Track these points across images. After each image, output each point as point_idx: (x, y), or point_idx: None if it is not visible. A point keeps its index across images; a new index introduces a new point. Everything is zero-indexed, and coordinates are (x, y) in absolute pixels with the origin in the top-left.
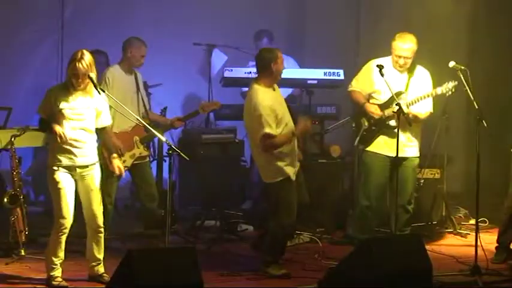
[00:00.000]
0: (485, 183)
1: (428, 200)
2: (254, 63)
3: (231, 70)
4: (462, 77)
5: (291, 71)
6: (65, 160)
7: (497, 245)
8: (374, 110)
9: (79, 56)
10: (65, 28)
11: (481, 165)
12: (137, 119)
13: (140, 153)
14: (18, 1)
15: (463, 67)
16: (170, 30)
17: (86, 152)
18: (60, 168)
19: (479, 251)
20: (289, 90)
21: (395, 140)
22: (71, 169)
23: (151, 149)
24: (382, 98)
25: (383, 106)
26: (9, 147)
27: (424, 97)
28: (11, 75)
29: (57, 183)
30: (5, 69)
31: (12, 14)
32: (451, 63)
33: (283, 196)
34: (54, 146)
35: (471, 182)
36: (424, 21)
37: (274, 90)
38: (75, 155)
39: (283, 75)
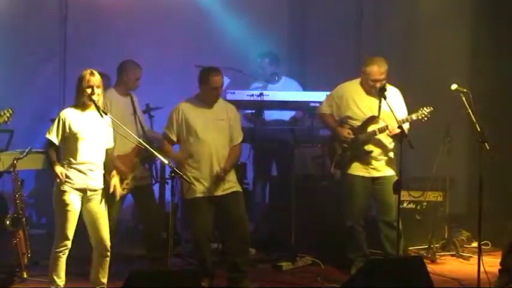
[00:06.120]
0: (487, 206)
1: (430, 223)
2: (257, 85)
3: (233, 93)
4: (464, 100)
5: (293, 93)
6: (78, 182)
7: (500, 267)
8: (347, 135)
9: (89, 71)
10: (67, 50)
11: (484, 188)
12: (139, 141)
13: (141, 175)
14: (20, 23)
15: (465, 90)
16: (172, 52)
17: (98, 176)
18: (72, 189)
19: (482, 274)
20: (292, 113)
21: (370, 163)
22: (82, 191)
23: (154, 172)
24: (357, 122)
25: (357, 130)
26: (11, 169)
27: (399, 123)
28: (12, 97)
29: (66, 205)
30: (6, 92)
31: (14, 36)
32: (454, 86)
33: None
34: (67, 166)
35: (473, 205)
36: (425, 42)
37: (210, 106)
38: (89, 178)
39: (285, 98)
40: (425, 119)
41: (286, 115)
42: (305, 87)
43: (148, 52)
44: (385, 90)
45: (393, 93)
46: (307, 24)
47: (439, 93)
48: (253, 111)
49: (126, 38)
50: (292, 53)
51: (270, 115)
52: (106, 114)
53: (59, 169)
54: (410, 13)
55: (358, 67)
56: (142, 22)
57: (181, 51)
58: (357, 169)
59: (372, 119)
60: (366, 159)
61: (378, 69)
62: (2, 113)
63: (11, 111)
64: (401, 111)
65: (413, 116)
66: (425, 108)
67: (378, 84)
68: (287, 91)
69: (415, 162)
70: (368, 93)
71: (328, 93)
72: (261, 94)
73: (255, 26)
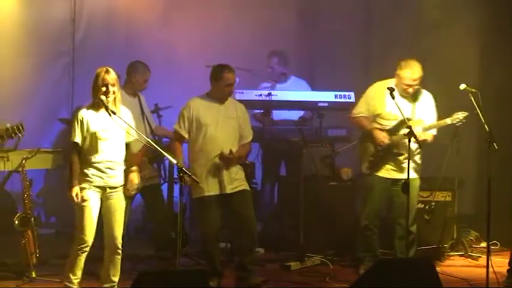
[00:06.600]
0: (496, 206)
1: (439, 223)
2: (266, 85)
3: (242, 92)
4: (473, 100)
5: (301, 93)
6: (97, 180)
7: (508, 267)
8: (383, 138)
9: (105, 69)
10: (76, 51)
11: (492, 188)
12: (147, 141)
13: (150, 174)
14: (30, 24)
15: (474, 90)
16: (181, 53)
17: (118, 173)
18: (91, 186)
19: (491, 274)
20: (300, 113)
21: (399, 164)
22: (101, 189)
23: (162, 172)
24: (387, 122)
25: (390, 131)
26: (20, 169)
27: (433, 126)
28: (21, 97)
29: (84, 200)
30: (15, 92)
31: (23, 37)
32: (462, 86)
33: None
34: (87, 165)
35: (482, 205)
36: (434, 43)
37: (220, 104)
38: (108, 176)
39: (294, 98)
40: (460, 123)
41: (295, 115)
42: (314, 87)
43: (157, 52)
44: (394, 90)
45: (426, 98)
46: (316, 23)
47: (448, 93)
48: (262, 111)
49: (134, 38)
50: (301, 52)
51: (279, 115)
52: (114, 113)
53: (75, 191)
54: (418, 13)
55: (367, 67)
56: (151, 22)
57: (189, 51)
58: (385, 172)
59: (404, 122)
60: (394, 161)
61: (410, 75)
62: (11, 128)
63: (20, 128)
64: (431, 117)
65: (448, 121)
66: (460, 113)
67: (411, 90)
68: (296, 91)
69: (424, 162)
70: (401, 95)
71: (339, 92)
72: (270, 94)
73: (264, 25)
